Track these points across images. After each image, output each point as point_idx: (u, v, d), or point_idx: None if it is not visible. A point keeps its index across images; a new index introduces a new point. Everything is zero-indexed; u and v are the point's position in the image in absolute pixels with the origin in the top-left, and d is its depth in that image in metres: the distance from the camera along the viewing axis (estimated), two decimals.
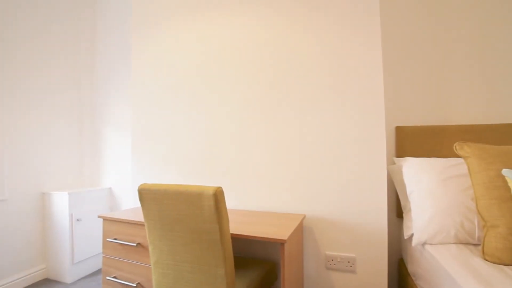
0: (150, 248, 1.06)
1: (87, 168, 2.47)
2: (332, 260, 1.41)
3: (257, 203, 1.58)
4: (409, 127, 1.66)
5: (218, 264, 0.94)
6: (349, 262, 1.38)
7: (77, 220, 2.05)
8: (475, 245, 1.09)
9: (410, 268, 1.32)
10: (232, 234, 1.08)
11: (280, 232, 1.09)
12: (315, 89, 1.47)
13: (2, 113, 1.88)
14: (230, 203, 1.65)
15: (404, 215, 1.48)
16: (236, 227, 1.18)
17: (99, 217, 1.42)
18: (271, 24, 1.57)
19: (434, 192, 1.19)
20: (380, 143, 1.34)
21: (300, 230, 1.37)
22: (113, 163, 2.38)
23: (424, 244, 1.15)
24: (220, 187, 0.90)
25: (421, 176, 1.28)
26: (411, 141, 1.64)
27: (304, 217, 1.41)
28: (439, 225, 1.11)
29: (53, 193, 2.07)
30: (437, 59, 1.66)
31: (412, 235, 1.30)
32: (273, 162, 1.55)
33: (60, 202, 2.04)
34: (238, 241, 1.56)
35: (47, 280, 2.05)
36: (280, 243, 1.04)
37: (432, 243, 1.12)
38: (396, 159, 1.56)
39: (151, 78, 1.92)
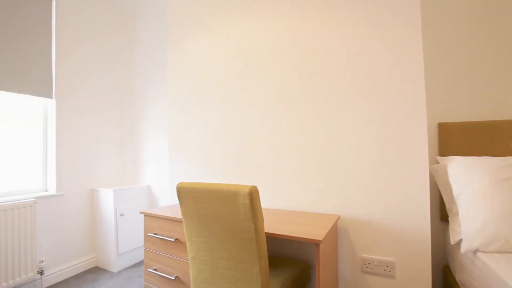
0: (187, 244, 1.11)
1: (129, 167, 2.67)
2: (369, 263, 1.35)
3: (290, 203, 1.57)
4: (453, 124, 1.52)
5: (253, 262, 0.96)
6: (387, 266, 1.31)
7: (121, 215, 2.23)
8: None
9: (459, 276, 1.21)
10: (267, 233, 1.09)
11: (315, 232, 1.07)
12: (351, 84, 1.42)
13: (62, 123, 2.11)
14: (265, 202, 1.66)
15: (449, 218, 1.37)
16: (270, 226, 1.19)
17: (141, 213, 1.53)
18: (304, 24, 1.55)
19: (488, 194, 1.08)
20: (421, 140, 1.25)
21: (335, 231, 1.34)
22: (152, 163, 2.54)
23: (476, 251, 1.05)
24: (255, 186, 0.91)
25: (470, 177, 1.17)
26: (456, 139, 1.51)
27: (339, 217, 1.37)
28: (495, 231, 1.00)
29: (100, 189, 2.27)
30: (487, 46, 1.50)
31: (460, 240, 1.19)
32: (307, 161, 1.52)
33: (106, 198, 2.23)
34: (272, 240, 1.57)
35: (97, 268, 2.26)
36: (315, 244, 1.02)
37: (486, 251, 1.02)
38: (439, 158, 1.44)
39: (186, 80, 2.01)
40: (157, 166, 2.50)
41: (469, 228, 1.07)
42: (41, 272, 1.90)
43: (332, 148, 1.45)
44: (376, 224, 1.34)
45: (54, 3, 2.11)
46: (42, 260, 1.94)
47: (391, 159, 1.31)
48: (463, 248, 1.07)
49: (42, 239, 1.97)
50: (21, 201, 1.79)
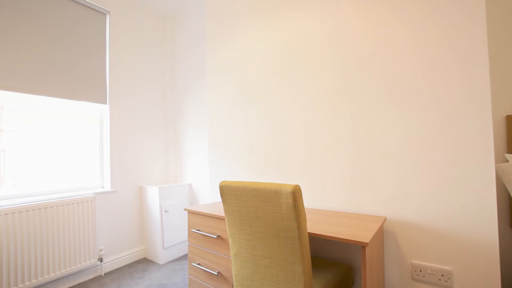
0: (230, 241, 1.15)
1: (172, 167, 2.86)
2: (420, 270, 1.24)
3: (333, 203, 1.52)
4: None
5: (295, 261, 0.95)
6: (443, 275, 1.19)
7: (165, 211, 2.39)
8: None
9: None
10: (309, 233, 1.07)
11: (360, 234, 1.02)
12: (401, 75, 1.31)
13: (115, 126, 2.35)
14: (306, 201, 1.64)
15: None
16: (312, 226, 1.17)
17: (184, 210, 1.62)
18: (344, 19, 1.48)
19: None
20: (485, 136, 1.11)
21: (381, 234, 1.26)
22: (192, 162, 2.68)
23: None
24: (298, 185, 0.90)
25: None
26: None
27: (385, 219, 1.28)
28: None
29: (147, 187, 2.47)
30: None
31: None
32: (351, 159, 1.46)
33: (152, 195, 2.41)
34: (311, 239, 1.54)
35: (145, 259, 2.46)
36: (361, 246, 0.97)
37: None
38: (508, 155, 1.26)
39: (225, 79, 2.08)
40: (197, 166, 2.63)
41: None
42: (101, 259, 2.13)
43: (378, 145, 1.36)
44: (429, 228, 1.22)
45: (107, 18, 2.35)
46: (101, 249, 2.18)
47: (450, 157, 1.18)
48: None
49: (100, 230, 2.21)
50: (83, 196, 2.03)
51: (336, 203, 1.50)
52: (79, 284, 1.99)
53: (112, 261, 2.26)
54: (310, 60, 1.61)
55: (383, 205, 1.35)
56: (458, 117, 1.16)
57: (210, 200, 2.16)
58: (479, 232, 1.11)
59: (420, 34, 1.25)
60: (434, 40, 1.21)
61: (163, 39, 2.87)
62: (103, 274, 2.15)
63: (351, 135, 1.45)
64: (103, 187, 2.34)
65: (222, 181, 1.10)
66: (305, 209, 1.55)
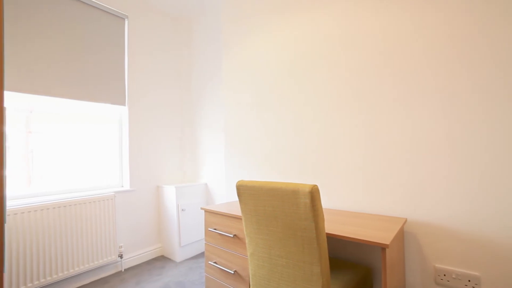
0: (246, 240, 1.15)
1: (188, 166, 2.91)
2: (445, 275, 1.20)
3: (348, 203, 1.50)
4: None
5: (313, 262, 0.94)
6: (469, 281, 1.14)
7: (182, 210, 2.44)
8: None
9: None
10: (328, 234, 1.06)
11: (379, 235, 1.00)
12: (417, 76, 1.27)
13: (133, 127, 2.43)
14: (323, 201, 1.62)
15: None
16: (329, 226, 1.15)
17: (201, 209, 1.65)
18: (358, 21, 1.45)
19: None
20: None
21: (401, 236, 1.22)
22: (208, 162, 2.71)
23: None
24: (316, 185, 0.89)
25: None
26: None
27: (406, 221, 1.24)
28: None
29: (164, 186, 2.53)
30: None
31: None
32: (369, 159, 1.43)
33: (169, 194, 2.47)
34: (329, 240, 1.52)
35: (163, 257, 2.52)
36: (381, 248, 0.95)
37: None
38: None
39: (241, 80, 2.09)
40: (213, 165, 2.66)
41: None
42: (121, 256, 2.21)
43: (399, 143, 1.32)
44: (453, 231, 1.17)
45: (126, 23, 2.44)
46: (121, 246, 2.26)
47: (473, 157, 1.13)
48: None
49: (120, 228, 2.29)
50: (104, 194, 2.11)
51: (352, 203, 1.47)
52: (100, 279, 2.07)
53: (131, 258, 2.33)
54: (323, 60, 1.59)
55: (403, 206, 1.31)
56: (487, 115, 1.11)
57: (226, 199, 2.19)
58: (509, 234, 1.05)
59: (431, 34, 1.20)
60: (446, 39, 1.16)
61: (179, 41, 2.93)
62: (123, 270, 2.22)
63: (365, 135, 1.42)
64: (122, 186, 2.43)
65: (239, 181, 1.10)
66: (323, 209, 1.52)
